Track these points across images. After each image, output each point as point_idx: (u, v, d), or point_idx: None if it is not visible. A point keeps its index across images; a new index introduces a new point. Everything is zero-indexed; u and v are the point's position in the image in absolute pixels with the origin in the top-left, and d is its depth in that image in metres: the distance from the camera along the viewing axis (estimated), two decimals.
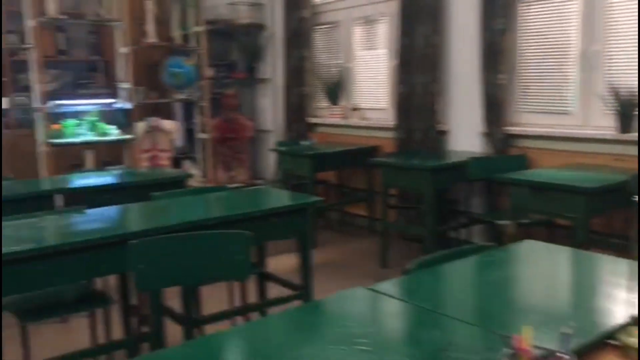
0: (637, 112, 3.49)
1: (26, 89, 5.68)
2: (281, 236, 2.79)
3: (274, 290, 3.00)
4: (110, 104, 5.37)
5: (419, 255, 4.45)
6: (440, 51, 4.50)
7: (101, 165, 5.28)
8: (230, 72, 6.14)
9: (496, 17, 4.07)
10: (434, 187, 3.94)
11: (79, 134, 4.95)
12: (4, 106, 5.86)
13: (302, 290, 2.80)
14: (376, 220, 5.02)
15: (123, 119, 5.26)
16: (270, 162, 6.17)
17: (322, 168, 4.98)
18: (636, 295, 1.46)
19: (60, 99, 5.12)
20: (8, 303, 2.31)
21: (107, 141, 5.11)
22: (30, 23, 4.70)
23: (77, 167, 5.18)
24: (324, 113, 5.75)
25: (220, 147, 5.93)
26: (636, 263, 1.70)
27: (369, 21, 5.34)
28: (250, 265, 2.05)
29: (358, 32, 5.45)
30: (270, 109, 6.20)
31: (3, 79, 5.96)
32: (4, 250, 2.04)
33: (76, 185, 3.48)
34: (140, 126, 5.29)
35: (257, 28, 6.07)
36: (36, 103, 4.84)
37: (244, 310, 2.69)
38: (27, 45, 4.80)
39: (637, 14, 3.48)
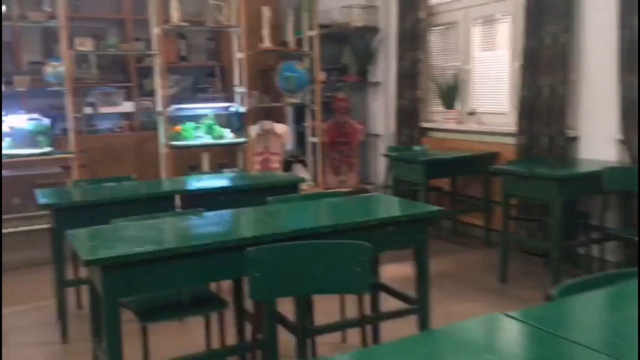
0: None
1: (150, 93, 6.00)
2: (397, 246, 2.65)
3: (388, 302, 2.87)
4: (226, 107, 5.51)
5: (540, 271, 4.12)
6: (571, 51, 4.14)
7: (216, 167, 5.43)
8: (341, 75, 6.09)
9: (637, 13, 3.66)
10: (562, 198, 3.61)
11: (196, 137, 5.11)
12: (131, 109, 6.24)
13: (418, 305, 2.65)
14: (493, 231, 4.73)
15: (237, 123, 5.37)
16: (380, 167, 6.04)
17: (436, 175, 4.77)
18: None
19: (180, 103, 5.32)
20: (129, 302, 2.37)
21: (222, 144, 5.24)
22: (155, 31, 4.92)
23: (194, 168, 5.37)
24: (438, 117, 5.53)
25: (330, 151, 5.89)
26: None
27: (488, 21, 5.06)
28: (369, 279, 1.93)
29: (477, 33, 5.18)
30: (381, 112, 6.07)
31: (130, 84, 6.34)
32: (128, 250, 2.09)
33: (194, 187, 3.56)
34: (253, 129, 5.38)
35: (370, 31, 5.98)
36: (159, 107, 5.06)
37: (358, 322, 2.59)
38: (153, 52, 5.04)
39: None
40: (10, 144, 4.57)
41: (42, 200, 3.14)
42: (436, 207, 2.70)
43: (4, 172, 5.05)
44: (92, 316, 2.51)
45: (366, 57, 6.03)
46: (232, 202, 3.22)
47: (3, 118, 4.60)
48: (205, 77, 6.93)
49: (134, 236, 2.31)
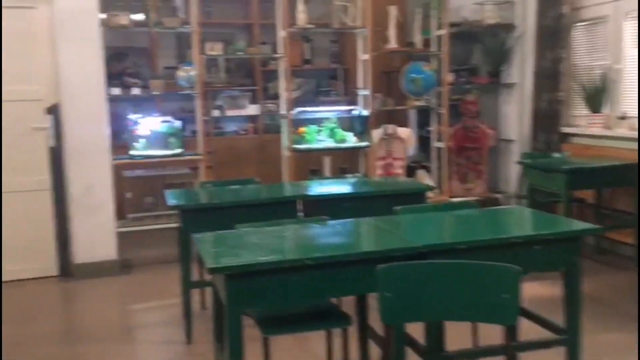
0: None
1: (274, 96, 6.04)
2: (543, 268, 2.35)
3: (525, 327, 2.55)
4: (349, 110, 5.39)
5: None
6: None
7: (337, 172, 5.32)
8: (471, 76, 5.74)
9: None
10: None
11: (318, 140, 5.04)
12: (256, 112, 6.34)
13: (568, 335, 2.32)
14: None
15: (360, 126, 5.23)
16: (511, 174, 5.61)
17: (579, 185, 4.29)
18: None
19: (302, 106, 5.28)
20: (251, 310, 2.29)
21: (344, 148, 5.13)
22: (282, 34, 4.91)
23: (315, 172, 5.30)
24: (581, 122, 5.00)
25: (456, 157, 5.57)
26: None
27: None
28: (518, 308, 1.67)
29: (629, 28, 4.61)
30: (515, 116, 5.63)
31: (256, 88, 6.45)
32: (252, 260, 1.99)
33: (317, 193, 3.46)
34: (376, 133, 5.21)
35: (504, 28, 5.57)
36: (283, 110, 5.05)
37: (498, 351, 2.31)
38: (278, 55, 5.04)
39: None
40: (145, 145, 4.77)
41: (171, 201, 3.19)
42: (592, 225, 2.35)
43: (139, 172, 5.32)
44: (215, 321, 2.46)
45: (499, 57, 5.62)
46: (355, 209, 3.07)
47: (140, 120, 4.81)
48: (327, 79, 6.89)
49: (258, 244, 2.22)
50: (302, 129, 4.99)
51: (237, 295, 1.98)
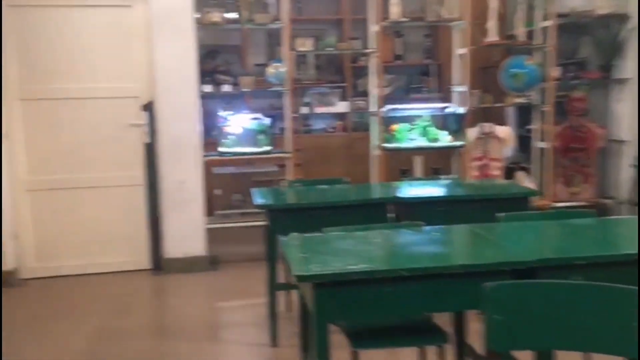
0: None
1: (363, 93, 5.89)
2: None
3: None
4: (442, 108, 5.14)
5: None
6: None
7: (429, 172, 5.09)
8: (579, 71, 5.28)
9: None
10: None
11: (409, 139, 4.83)
12: (345, 110, 6.21)
13: None
14: None
15: (454, 124, 4.96)
16: (622, 178, 5.11)
17: None
18: None
19: (392, 103, 5.09)
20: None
21: (437, 147, 4.89)
22: (374, 28, 4.74)
23: (406, 172, 5.09)
24: None
25: (561, 158, 5.14)
26: None
27: None
28: None
29: None
30: (628, 115, 5.12)
31: (345, 84, 6.32)
32: (341, 268, 1.85)
33: (408, 195, 3.26)
34: (472, 132, 4.91)
35: (618, 19, 5.07)
36: (373, 107, 4.89)
37: None
38: (370, 50, 4.87)
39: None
40: (234, 141, 4.77)
41: (258, 200, 3.11)
42: None
43: (229, 169, 5.35)
44: (301, 327, 2.36)
45: (611, 50, 5.12)
46: (450, 214, 2.88)
47: (230, 117, 4.81)
48: (419, 76, 6.64)
49: (347, 250, 2.08)
50: (394, 127, 4.80)
51: (326, 306, 1.84)
